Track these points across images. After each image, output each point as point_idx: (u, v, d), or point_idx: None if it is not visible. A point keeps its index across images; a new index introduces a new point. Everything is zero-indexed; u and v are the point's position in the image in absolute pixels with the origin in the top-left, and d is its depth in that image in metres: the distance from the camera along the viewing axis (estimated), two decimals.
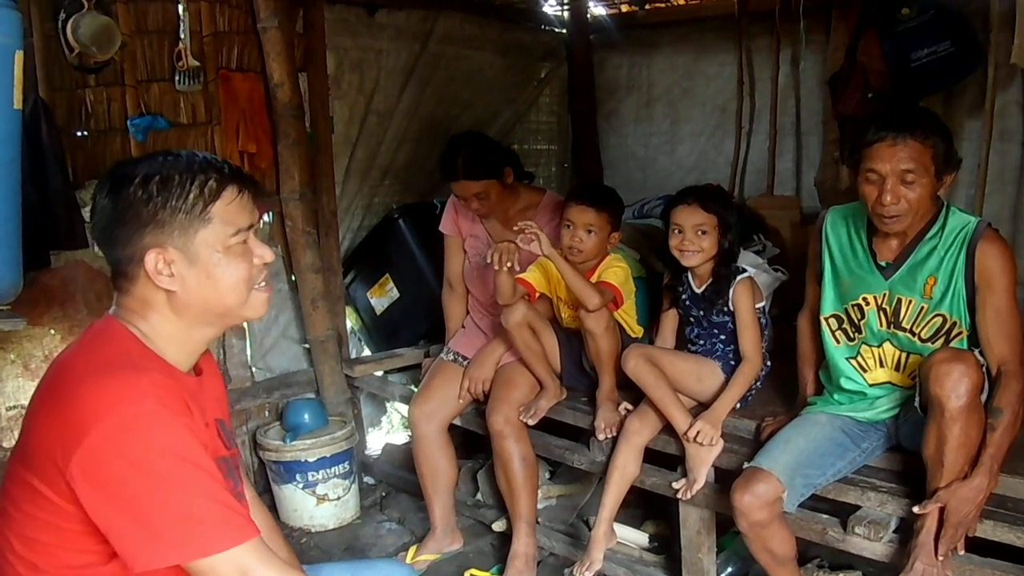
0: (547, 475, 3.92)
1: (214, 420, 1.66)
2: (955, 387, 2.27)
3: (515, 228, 3.10)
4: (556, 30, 5.63)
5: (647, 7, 5.40)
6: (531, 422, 3.34)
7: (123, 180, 1.52)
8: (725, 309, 3.06)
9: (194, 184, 1.52)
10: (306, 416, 3.95)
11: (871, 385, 2.73)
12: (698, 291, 3.12)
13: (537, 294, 3.36)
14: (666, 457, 3.12)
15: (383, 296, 4.56)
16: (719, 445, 2.95)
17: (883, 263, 2.63)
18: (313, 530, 3.84)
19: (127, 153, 3.56)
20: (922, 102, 3.95)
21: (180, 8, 3.64)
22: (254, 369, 4.15)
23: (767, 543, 2.59)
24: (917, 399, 2.46)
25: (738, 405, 3.12)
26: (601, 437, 3.20)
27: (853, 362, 2.75)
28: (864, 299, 2.67)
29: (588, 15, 5.61)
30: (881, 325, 2.66)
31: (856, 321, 2.71)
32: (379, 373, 4.40)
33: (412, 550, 3.54)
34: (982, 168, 4.01)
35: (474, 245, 3.70)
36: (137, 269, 1.54)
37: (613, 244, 3.33)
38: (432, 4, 4.71)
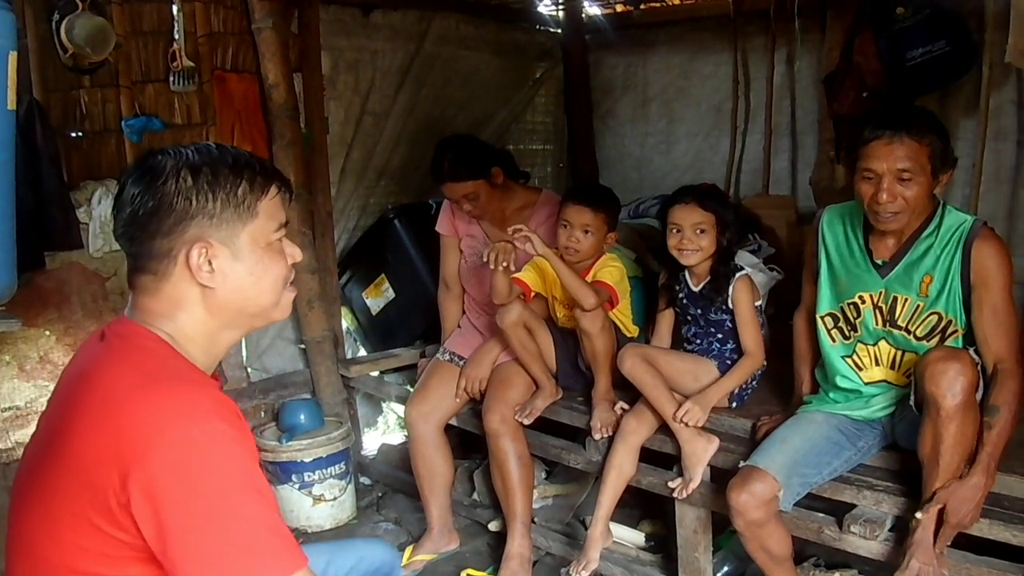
0: (543, 475, 3.92)
1: None
2: (951, 385, 2.28)
3: (508, 231, 3.10)
4: (552, 30, 5.63)
5: (642, 7, 5.40)
6: (527, 421, 3.34)
7: (164, 170, 1.46)
8: (723, 307, 3.06)
9: (244, 177, 1.49)
10: (302, 417, 3.95)
11: (867, 384, 2.74)
12: (696, 289, 3.12)
13: (532, 294, 3.36)
14: (662, 456, 3.12)
15: (379, 296, 4.55)
16: (715, 444, 2.96)
17: (879, 261, 2.64)
18: (309, 531, 3.84)
19: (122, 154, 3.56)
20: (917, 101, 3.95)
21: (174, 9, 3.63)
22: (250, 370, 4.15)
23: (763, 542, 2.59)
24: (912, 398, 2.47)
25: (733, 404, 3.12)
26: (597, 437, 3.20)
27: (849, 361, 2.75)
28: (860, 297, 2.67)
29: (583, 15, 5.60)
30: (877, 323, 2.66)
31: (852, 320, 2.71)
32: (375, 373, 4.40)
33: (409, 550, 3.53)
34: (977, 167, 4.02)
35: (470, 245, 3.70)
36: (171, 265, 1.47)
37: (610, 244, 3.33)
38: (427, 4, 4.71)
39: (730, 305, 3.04)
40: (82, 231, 3.22)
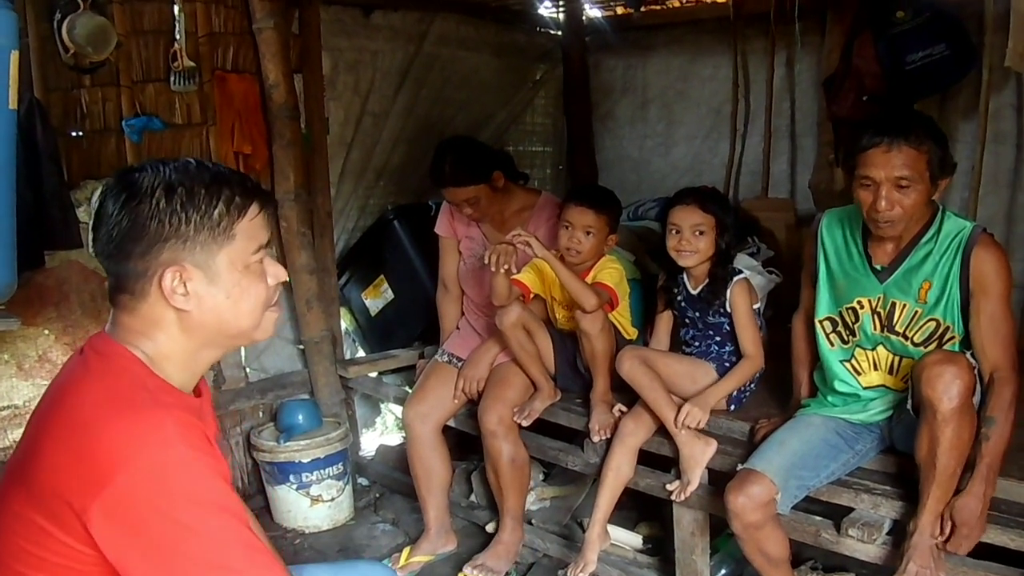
0: (541, 476, 3.93)
1: (214, 439, 1.61)
2: (947, 389, 2.28)
3: (508, 238, 3.10)
4: (551, 32, 5.63)
5: (642, 9, 5.40)
6: (525, 423, 3.34)
7: (141, 189, 1.42)
8: (721, 310, 3.07)
9: (220, 198, 1.44)
10: (300, 417, 3.94)
11: (865, 388, 2.74)
12: (694, 292, 3.13)
13: (532, 295, 3.36)
14: (660, 459, 3.12)
15: (378, 297, 4.55)
16: (713, 446, 2.96)
17: (878, 266, 2.64)
18: (307, 531, 3.84)
19: (122, 154, 3.56)
20: (917, 105, 3.97)
21: (176, 9, 3.63)
22: (248, 370, 4.14)
23: (761, 545, 2.59)
24: (910, 401, 2.47)
25: (732, 407, 3.13)
26: (595, 439, 3.20)
27: (847, 365, 2.76)
28: (859, 302, 2.67)
29: (583, 17, 5.61)
30: (875, 328, 2.66)
31: (850, 324, 2.71)
32: (373, 374, 4.40)
33: (406, 551, 3.53)
34: (976, 170, 4.02)
35: (469, 246, 3.70)
36: (147, 286, 1.44)
37: (610, 246, 3.33)
38: (428, 5, 4.71)
39: (728, 308, 3.05)
40: (82, 230, 3.21)
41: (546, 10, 5.54)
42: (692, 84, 5.38)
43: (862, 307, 2.67)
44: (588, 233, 3.22)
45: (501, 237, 3.37)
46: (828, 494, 2.70)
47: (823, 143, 4.65)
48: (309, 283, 4.11)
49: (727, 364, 3.11)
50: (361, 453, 4.49)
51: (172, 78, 3.65)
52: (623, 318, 3.42)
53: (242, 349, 4.09)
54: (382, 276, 4.53)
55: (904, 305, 2.59)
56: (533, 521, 3.65)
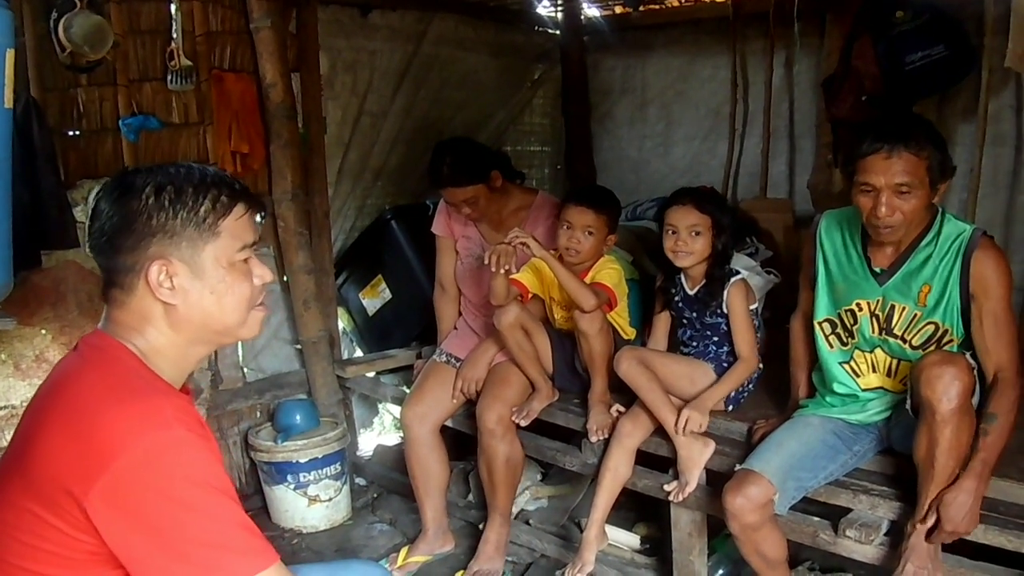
0: (539, 476, 3.93)
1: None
2: (946, 390, 2.28)
3: (506, 240, 3.10)
4: (550, 32, 5.63)
5: (641, 9, 5.39)
6: (523, 423, 3.34)
7: (133, 187, 1.49)
8: (718, 311, 3.06)
9: (207, 197, 1.51)
10: (298, 417, 3.94)
11: (863, 389, 2.74)
12: (691, 293, 3.12)
13: (530, 295, 3.36)
14: (658, 459, 3.12)
15: (375, 297, 4.55)
16: (711, 447, 2.95)
17: (877, 269, 2.63)
18: (304, 531, 3.83)
19: (119, 153, 3.56)
20: (916, 106, 3.96)
21: (172, 8, 3.63)
22: (246, 370, 4.14)
23: (758, 546, 2.59)
24: (908, 402, 2.46)
25: (730, 407, 3.12)
26: (593, 439, 3.20)
27: (846, 367, 2.75)
28: (857, 304, 2.67)
29: (582, 17, 5.60)
30: (873, 331, 2.66)
31: (849, 326, 2.71)
32: (371, 374, 4.40)
33: (403, 551, 3.53)
34: (975, 172, 4.02)
35: (467, 246, 3.70)
36: (136, 280, 1.50)
37: (609, 246, 3.33)
38: (426, 5, 4.70)
39: (725, 309, 3.04)
40: (78, 230, 3.20)
41: (544, 10, 5.54)
42: (691, 84, 5.37)
43: (860, 310, 2.66)
44: (588, 233, 3.21)
45: (498, 237, 3.37)
46: (826, 495, 2.70)
47: (822, 144, 4.65)
48: (307, 283, 4.11)
49: (725, 364, 3.11)
50: (359, 453, 4.49)
51: (169, 77, 3.65)
52: (621, 319, 3.41)
53: (239, 349, 4.08)
54: (380, 276, 4.53)
55: (903, 308, 2.59)
56: (530, 521, 3.65)
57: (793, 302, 3.02)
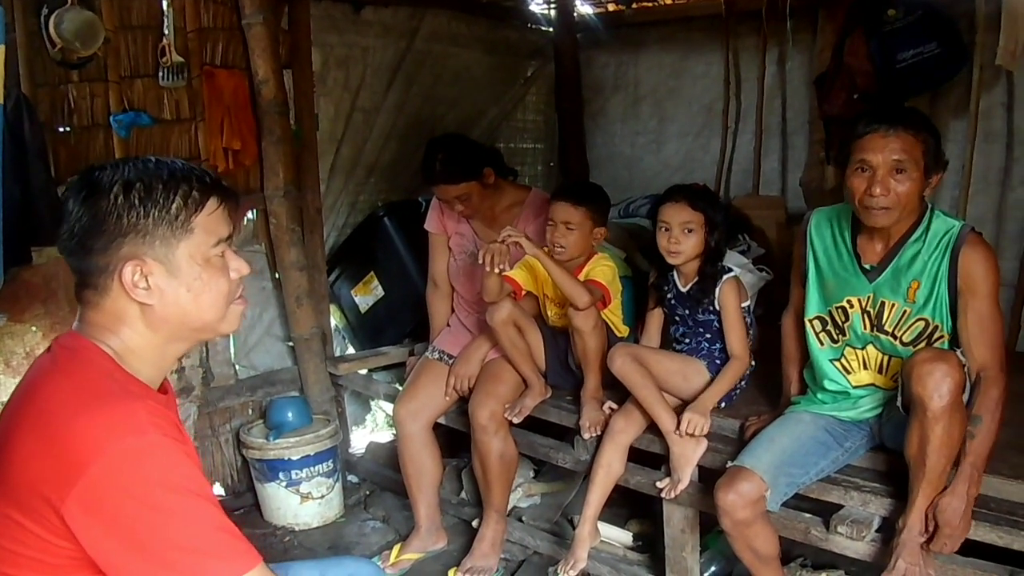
0: (531, 473, 3.93)
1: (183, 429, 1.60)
2: (937, 387, 2.28)
3: (499, 239, 3.09)
4: (543, 28, 5.64)
5: (634, 6, 5.41)
6: (516, 420, 3.33)
7: (100, 186, 1.45)
8: (711, 308, 3.06)
9: (177, 193, 1.47)
10: (290, 414, 3.93)
11: (855, 386, 2.74)
12: (684, 290, 3.12)
13: (523, 292, 3.36)
14: (650, 456, 3.12)
15: (368, 294, 4.54)
16: (704, 444, 2.96)
17: (867, 266, 2.64)
18: (297, 528, 3.83)
19: (110, 149, 3.55)
20: (907, 103, 3.96)
21: (164, 4, 3.62)
22: (238, 367, 4.14)
23: (751, 542, 2.59)
24: (900, 399, 2.47)
25: (722, 404, 3.12)
26: (586, 436, 3.19)
27: (837, 364, 2.75)
28: (848, 302, 2.67)
29: (575, 14, 5.60)
30: (865, 328, 2.66)
31: (840, 323, 2.71)
32: (364, 371, 4.39)
33: (396, 549, 3.53)
34: (967, 169, 4.04)
35: (459, 243, 3.70)
36: (109, 281, 1.47)
37: (598, 240, 3.32)
38: (419, 1, 4.70)
39: (717, 306, 3.05)
40: None
41: (537, 7, 5.55)
42: (684, 81, 5.38)
43: (852, 307, 2.67)
44: (570, 228, 3.21)
45: (491, 234, 3.36)
46: (818, 491, 2.70)
47: (814, 141, 4.66)
48: (299, 280, 4.10)
49: (718, 361, 3.11)
50: (351, 450, 4.49)
51: (161, 73, 3.64)
52: (615, 316, 3.41)
53: (231, 347, 4.08)
54: (372, 273, 4.52)
55: (893, 305, 2.59)
56: (523, 518, 3.65)
57: (786, 299, 3.02)
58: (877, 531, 2.59)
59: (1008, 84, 4.02)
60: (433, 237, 3.78)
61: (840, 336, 2.73)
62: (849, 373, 2.74)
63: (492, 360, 3.51)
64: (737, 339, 3.05)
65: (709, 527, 3.09)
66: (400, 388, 3.82)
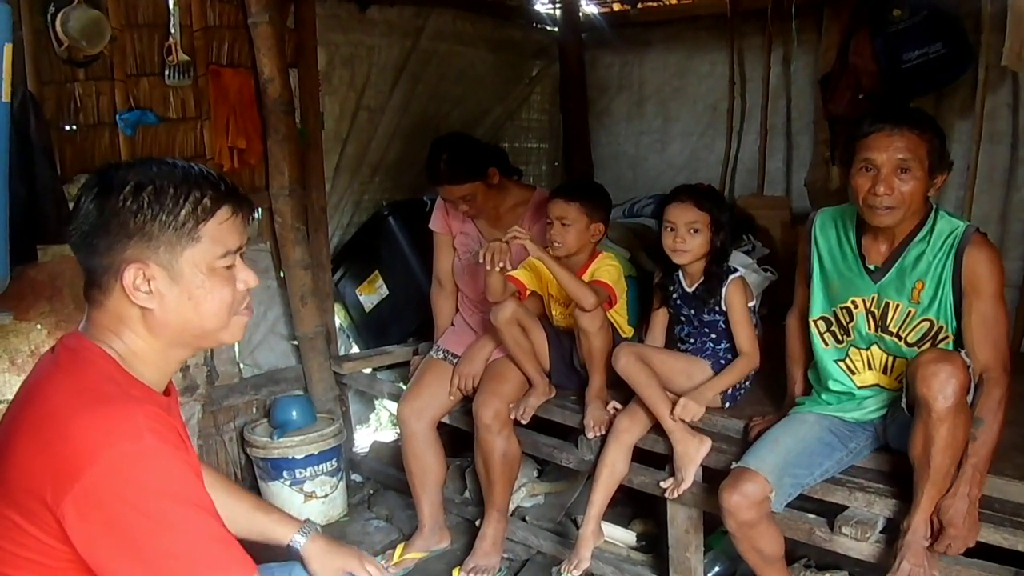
0: (535, 473, 3.93)
1: (184, 434, 1.59)
2: (942, 388, 2.28)
3: (504, 239, 3.09)
4: (548, 28, 5.63)
5: (639, 6, 5.40)
6: (522, 421, 3.34)
7: (112, 185, 1.43)
8: (716, 308, 3.06)
9: (188, 199, 1.45)
10: (294, 413, 3.94)
11: (859, 387, 2.74)
12: (689, 290, 3.12)
13: (528, 292, 3.36)
14: (654, 456, 3.12)
15: (372, 293, 4.55)
16: (707, 444, 2.95)
17: (872, 266, 2.63)
18: None
19: (116, 148, 3.54)
20: (912, 103, 3.97)
21: (170, 2, 3.62)
22: (242, 365, 4.13)
23: (755, 542, 2.59)
24: (904, 399, 2.47)
25: (726, 404, 3.12)
26: (590, 435, 3.20)
27: (842, 364, 2.75)
28: (853, 302, 2.67)
29: (580, 13, 5.61)
30: (869, 328, 2.66)
31: (845, 324, 2.71)
32: (368, 370, 4.39)
33: (400, 548, 3.53)
34: (971, 169, 4.03)
35: (464, 242, 3.70)
36: (113, 281, 1.46)
37: (596, 236, 3.30)
38: (424, 0, 4.70)
39: (723, 307, 3.05)
40: None
41: (543, 6, 5.55)
42: (689, 81, 5.38)
43: (856, 307, 2.67)
44: (564, 224, 3.21)
45: (496, 233, 3.37)
46: (822, 492, 2.70)
47: (819, 141, 4.66)
48: (303, 279, 4.10)
49: (722, 361, 3.11)
50: (355, 449, 4.49)
51: (167, 72, 3.64)
52: (620, 316, 3.41)
53: (235, 345, 4.07)
54: (377, 272, 4.52)
55: (898, 305, 2.59)
56: (527, 518, 3.65)
57: (790, 299, 3.02)
58: (881, 532, 2.59)
59: (1013, 85, 4.02)
60: (438, 236, 3.78)
61: (844, 336, 2.72)
62: (854, 374, 2.74)
63: (496, 359, 3.51)
64: (746, 337, 3.05)
65: (713, 527, 3.09)
66: (404, 387, 3.82)
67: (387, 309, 4.52)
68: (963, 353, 2.45)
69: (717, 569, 3.16)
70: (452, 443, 3.85)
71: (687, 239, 3.01)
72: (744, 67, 5.08)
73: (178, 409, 1.68)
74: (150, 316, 1.48)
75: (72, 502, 1.29)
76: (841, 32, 4.25)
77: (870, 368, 2.72)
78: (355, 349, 4.80)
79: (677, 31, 5.36)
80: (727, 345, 3.11)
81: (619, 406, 3.20)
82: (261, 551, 1.66)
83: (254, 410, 4.11)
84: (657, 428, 3.05)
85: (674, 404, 2.97)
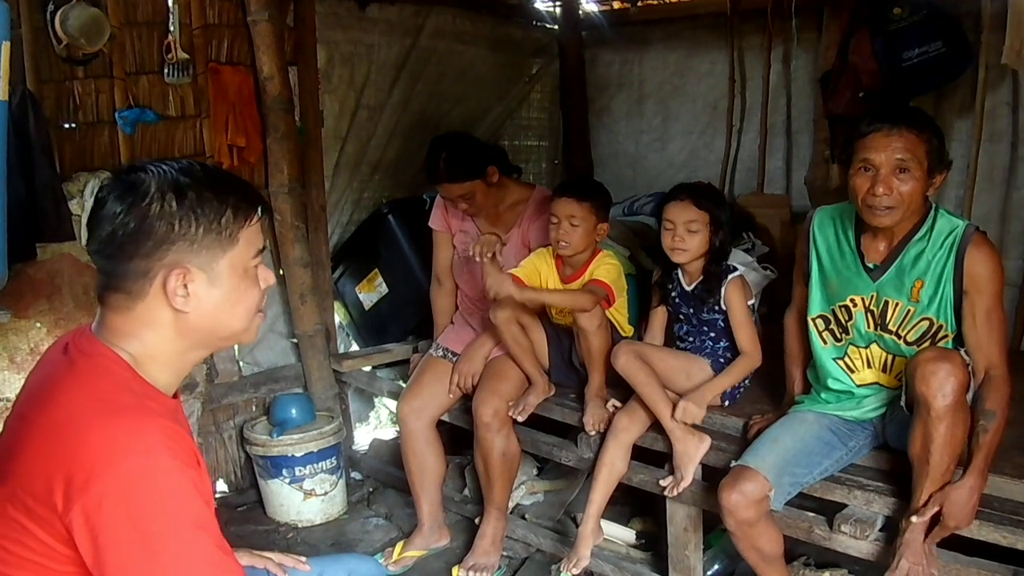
0: (535, 471, 3.93)
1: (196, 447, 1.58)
2: (941, 386, 2.28)
3: (491, 295, 3.11)
4: (548, 26, 5.63)
5: (639, 4, 5.40)
6: (520, 419, 3.33)
7: (148, 191, 1.42)
8: (716, 307, 3.06)
9: (228, 204, 1.47)
10: (293, 411, 3.94)
11: (859, 385, 2.74)
12: (688, 289, 3.12)
13: None
14: (654, 454, 3.12)
15: (372, 291, 4.55)
16: (707, 442, 2.96)
17: (871, 265, 2.63)
18: (300, 525, 3.83)
19: (115, 146, 3.55)
20: (912, 102, 3.97)
21: (169, 0, 3.62)
22: (241, 363, 4.14)
23: (754, 541, 2.59)
24: (903, 398, 2.47)
25: (726, 403, 3.12)
26: (591, 433, 3.20)
27: (840, 363, 2.75)
28: (852, 300, 2.67)
29: (580, 11, 5.61)
30: (868, 327, 2.66)
31: (843, 322, 2.71)
32: (367, 368, 4.39)
33: (399, 546, 3.53)
34: (971, 169, 4.03)
35: (464, 241, 3.69)
36: (147, 286, 1.45)
37: (601, 236, 3.31)
38: None
39: (723, 305, 3.04)
40: (74, 223, 3.20)
41: (543, 4, 5.55)
42: (688, 79, 5.38)
43: (855, 305, 2.66)
44: (574, 224, 3.21)
45: (496, 231, 3.37)
46: (821, 490, 2.70)
47: (819, 140, 4.65)
48: (303, 277, 4.10)
49: (722, 360, 3.11)
50: (354, 447, 4.49)
51: (166, 70, 3.64)
52: (620, 315, 3.41)
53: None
54: (376, 270, 4.52)
55: (897, 304, 2.59)
56: (526, 516, 3.65)
57: (789, 298, 3.02)
58: (881, 530, 2.59)
59: (1013, 84, 4.02)
60: (437, 234, 3.78)
61: (843, 335, 2.72)
62: (853, 372, 2.74)
63: (496, 358, 3.51)
64: (747, 336, 3.05)
65: (712, 526, 3.09)
66: (404, 385, 3.82)
67: (386, 307, 4.52)
68: (962, 352, 2.46)
69: (716, 567, 3.16)
70: (452, 441, 3.85)
71: (686, 238, 3.00)
72: (744, 65, 5.08)
73: (183, 412, 1.67)
74: (183, 319, 1.48)
75: (80, 511, 1.29)
76: (841, 31, 4.25)
77: (869, 366, 2.72)
78: (355, 347, 4.80)
79: (677, 29, 5.36)
80: (726, 343, 3.11)
81: (618, 404, 3.20)
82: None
83: (254, 408, 4.12)
84: (656, 426, 3.05)
85: (674, 405, 2.97)
